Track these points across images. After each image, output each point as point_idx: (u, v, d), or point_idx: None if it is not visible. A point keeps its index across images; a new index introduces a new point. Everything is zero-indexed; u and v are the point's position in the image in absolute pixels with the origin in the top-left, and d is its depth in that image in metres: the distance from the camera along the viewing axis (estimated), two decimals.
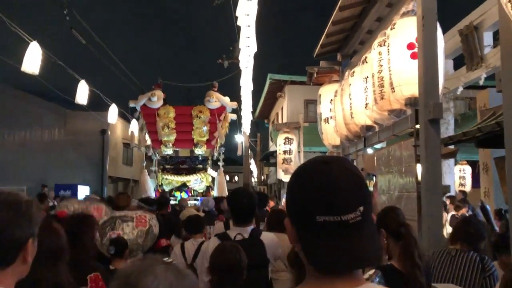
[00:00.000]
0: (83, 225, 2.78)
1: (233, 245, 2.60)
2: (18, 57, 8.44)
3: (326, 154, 10.80)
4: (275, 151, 15.71)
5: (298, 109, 16.10)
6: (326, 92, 7.20)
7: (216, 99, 12.73)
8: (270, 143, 22.09)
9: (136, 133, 13.69)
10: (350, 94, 5.50)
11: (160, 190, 12.70)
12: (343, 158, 1.09)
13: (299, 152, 12.98)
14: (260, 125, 26.43)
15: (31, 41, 8.34)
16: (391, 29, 4.05)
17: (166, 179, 13.12)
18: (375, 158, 5.03)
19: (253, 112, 19.55)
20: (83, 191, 15.11)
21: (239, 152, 15.05)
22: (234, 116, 13.49)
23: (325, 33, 6.11)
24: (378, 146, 6.15)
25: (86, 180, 16.25)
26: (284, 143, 12.74)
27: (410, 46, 3.91)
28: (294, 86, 17.33)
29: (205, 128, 12.76)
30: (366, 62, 4.95)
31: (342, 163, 1.01)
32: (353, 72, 5.46)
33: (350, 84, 5.49)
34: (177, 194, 13.05)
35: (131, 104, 12.64)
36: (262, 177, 27.47)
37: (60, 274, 2.01)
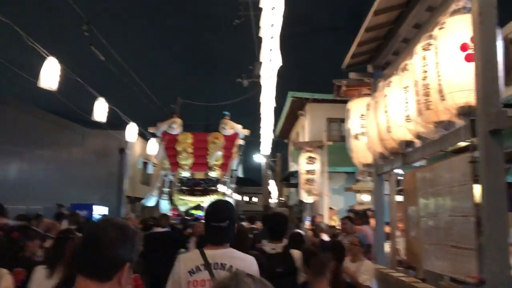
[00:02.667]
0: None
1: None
2: (35, 73, 8.20)
3: (356, 174, 10.22)
4: (296, 171, 15.33)
5: (320, 128, 15.57)
6: (356, 106, 6.71)
7: (231, 127, 13.95)
8: (291, 163, 21.56)
9: (154, 152, 13.83)
10: (386, 106, 4.99)
11: (175, 209, 13.47)
12: None
13: (322, 172, 12.45)
14: (280, 145, 25.96)
15: (49, 56, 8.12)
16: (440, 29, 3.56)
17: (182, 199, 13.87)
18: (416, 177, 4.48)
19: (273, 131, 19.13)
20: (100, 211, 14.77)
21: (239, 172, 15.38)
22: (241, 142, 14.54)
23: (357, 41, 5.64)
24: (417, 164, 5.59)
25: (104, 200, 15.92)
26: (307, 162, 12.25)
27: (463, 47, 3.41)
28: (316, 104, 16.84)
29: (219, 153, 13.83)
30: (407, 70, 4.45)
31: None
32: (390, 82, 4.96)
33: (386, 95, 4.99)
34: (194, 212, 13.56)
35: (151, 130, 13.62)
36: (282, 199, 26.87)
37: None
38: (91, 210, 14.48)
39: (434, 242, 3.99)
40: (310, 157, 12.19)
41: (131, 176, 18.45)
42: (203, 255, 2.55)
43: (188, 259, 2.63)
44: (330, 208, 12.25)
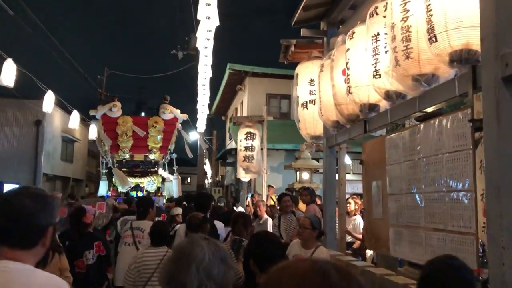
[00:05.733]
0: (81, 213, 4.74)
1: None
2: None
3: (302, 147, 9.43)
4: (234, 149, 14.61)
5: (260, 104, 14.76)
6: (305, 70, 5.88)
7: (170, 111, 14.53)
8: (228, 141, 20.64)
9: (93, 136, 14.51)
10: (347, 63, 4.17)
11: (114, 190, 14.14)
12: None
13: (262, 149, 11.64)
14: (217, 123, 24.93)
15: None
16: None
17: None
18: (385, 144, 3.70)
19: (210, 107, 18.08)
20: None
21: (189, 153, 15.49)
22: (180, 126, 15.29)
23: None
24: (376, 133, 4.87)
25: (16, 178, 14.11)
26: (246, 138, 11.33)
27: None
28: (255, 78, 15.98)
29: (159, 136, 14.39)
30: (377, 14, 3.63)
31: None
32: (353, 33, 4.13)
33: (348, 50, 4.16)
34: (133, 193, 14.09)
35: (92, 113, 14.12)
36: (217, 178, 25.99)
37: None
38: (1, 189, 12.74)
39: (407, 224, 3.24)
40: (249, 133, 11.28)
41: (50, 151, 16.62)
42: (131, 223, 5.15)
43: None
44: (269, 186, 11.49)
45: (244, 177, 11.67)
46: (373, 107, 4.05)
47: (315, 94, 5.63)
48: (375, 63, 3.62)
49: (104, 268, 4.76)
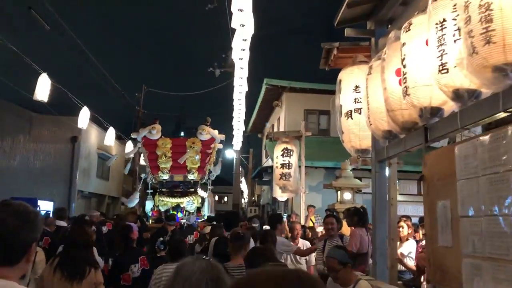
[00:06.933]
0: (128, 230, 5.19)
1: None
2: None
3: (343, 164, 8.71)
4: (270, 167, 14.04)
5: (297, 120, 14.20)
6: (349, 76, 5.27)
7: (207, 132, 14.69)
8: (264, 159, 20.08)
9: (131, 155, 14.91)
10: (403, 60, 3.53)
11: (157, 210, 14.54)
12: None
13: (299, 166, 11.02)
14: (253, 141, 24.48)
15: None
16: None
17: (162, 200, 14.61)
18: (455, 154, 3.01)
19: (246, 125, 17.65)
20: (45, 206, 12.92)
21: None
22: (220, 146, 15.48)
23: None
24: (437, 144, 4.17)
25: (52, 194, 14.01)
26: (283, 155, 10.77)
27: None
28: (293, 94, 15.45)
29: (197, 157, 14.57)
30: None
31: None
32: (410, 24, 3.50)
33: (404, 44, 3.53)
34: (173, 213, 14.28)
35: (133, 135, 14.85)
36: (254, 198, 25.41)
37: (89, 255, 3.96)
38: (35, 206, 12.62)
39: (489, 256, 2.54)
40: (286, 149, 10.72)
41: (85, 168, 16.54)
42: None
43: None
44: (309, 206, 10.80)
45: (280, 196, 11.06)
46: (436, 111, 3.38)
47: (360, 102, 5.01)
48: (441, 55, 2.97)
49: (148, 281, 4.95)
